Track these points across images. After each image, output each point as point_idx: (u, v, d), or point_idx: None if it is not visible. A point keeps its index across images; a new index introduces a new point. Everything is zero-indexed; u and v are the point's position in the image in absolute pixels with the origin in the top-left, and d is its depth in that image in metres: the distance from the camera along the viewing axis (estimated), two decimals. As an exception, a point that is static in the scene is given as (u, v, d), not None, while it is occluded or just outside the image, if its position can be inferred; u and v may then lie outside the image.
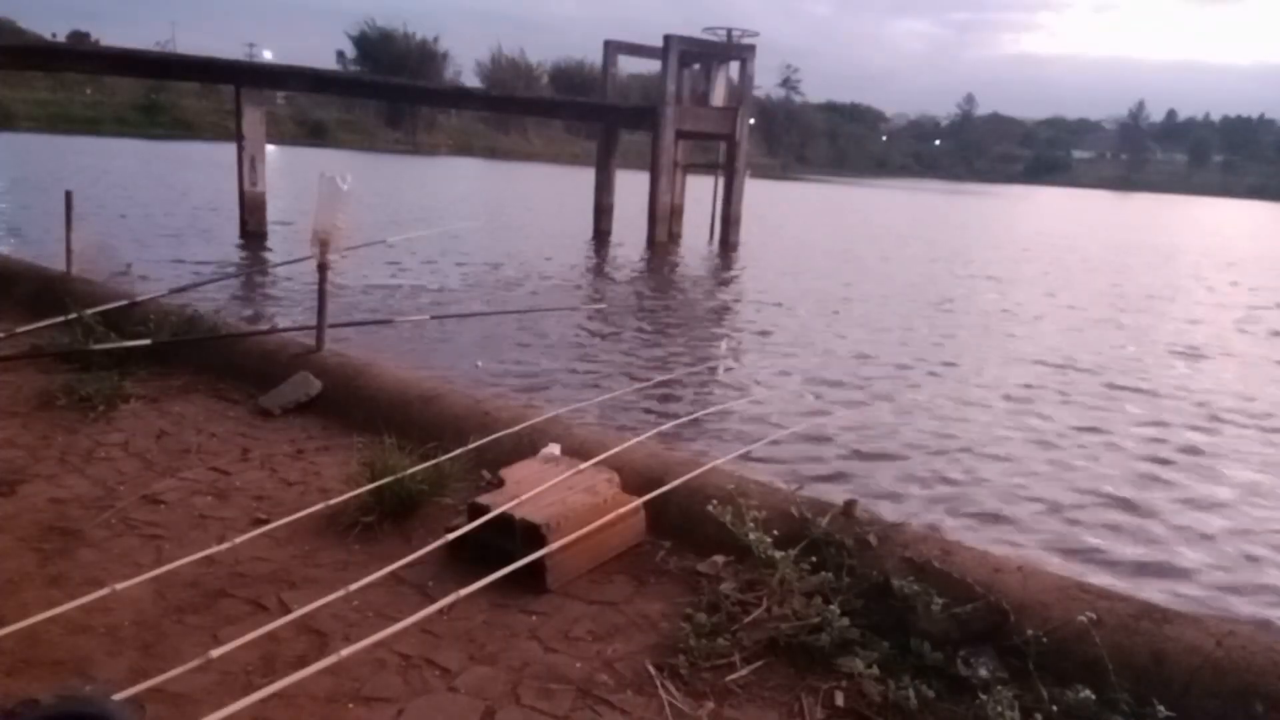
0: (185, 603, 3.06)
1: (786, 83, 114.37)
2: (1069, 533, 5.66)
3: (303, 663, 2.75)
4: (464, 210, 27.57)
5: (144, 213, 19.92)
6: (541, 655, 2.90)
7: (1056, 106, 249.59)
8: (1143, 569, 5.23)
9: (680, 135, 21.88)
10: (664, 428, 5.05)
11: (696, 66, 23.23)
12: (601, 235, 22.96)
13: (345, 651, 2.46)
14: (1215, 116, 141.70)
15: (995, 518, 5.81)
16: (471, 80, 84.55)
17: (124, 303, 6.52)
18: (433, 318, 9.85)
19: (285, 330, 6.60)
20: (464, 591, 2.83)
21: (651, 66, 26.00)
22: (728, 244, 22.14)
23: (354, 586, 2.78)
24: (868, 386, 9.09)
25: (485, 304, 12.22)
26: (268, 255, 15.90)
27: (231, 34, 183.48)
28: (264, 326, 7.83)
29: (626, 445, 4.06)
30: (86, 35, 63.58)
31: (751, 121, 24.04)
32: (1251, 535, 5.83)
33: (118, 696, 2.18)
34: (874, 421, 7.78)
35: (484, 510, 3.32)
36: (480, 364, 8.70)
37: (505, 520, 3.27)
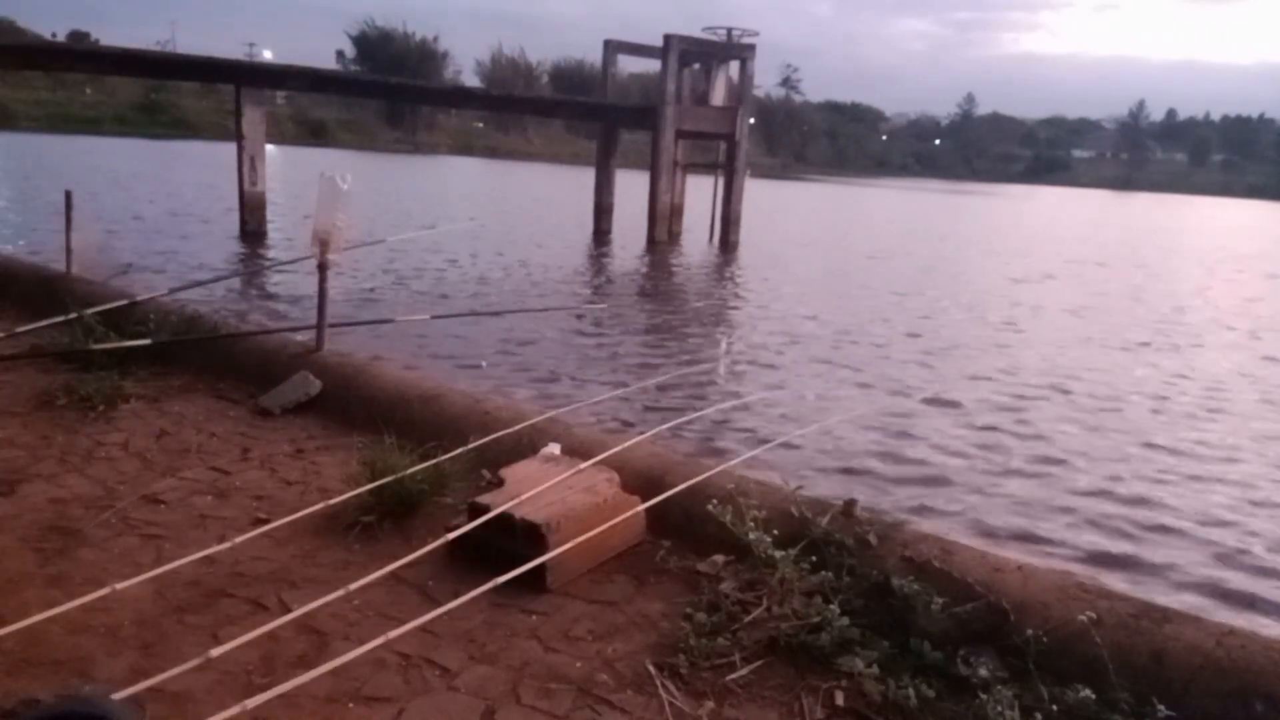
0: (185, 602, 3.06)
1: (786, 82, 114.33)
2: (1071, 534, 5.65)
3: (303, 662, 2.75)
4: (464, 210, 27.56)
5: (144, 212, 19.92)
6: (541, 655, 2.90)
7: (1057, 106, 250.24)
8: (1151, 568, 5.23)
9: (680, 135, 21.87)
10: (664, 427, 5.04)
11: (696, 66, 23.20)
12: (601, 235, 22.95)
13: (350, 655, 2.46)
14: (1215, 116, 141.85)
15: (997, 518, 5.80)
16: (471, 80, 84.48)
17: (124, 303, 6.52)
18: (433, 317, 9.84)
19: (285, 330, 6.60)
20: (465, 598, 2.83)
21: (651, 66, 25.98)
22: (728, 243, 22.14)
23: (354, 586, 2.78)
24: (868, 385, 9.08)
25: (485, 304, 12.21)
26: (268, 255, 15.90)
27: (231, 34, 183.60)
28: (264, 326, 7.83)
29: (626, 445, 4.06)
30: (86, 35, 63.66)
31: (751, 121, 24.04)
32: None
33: (118, 696, 2.18)
34: (874, 420, 7.77)
35: (484, 510, 3.32)
36: (485, 364, 8.70)
37: (505, 520, 3.27)
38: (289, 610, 2.90)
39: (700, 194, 24.52)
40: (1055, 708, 2.58)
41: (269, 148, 19.27)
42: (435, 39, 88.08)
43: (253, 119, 18.06)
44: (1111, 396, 9.20)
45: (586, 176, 27.18)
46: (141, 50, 19.91)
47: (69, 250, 7.50)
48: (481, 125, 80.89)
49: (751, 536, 3.31)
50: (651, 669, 2.84)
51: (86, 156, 37.10)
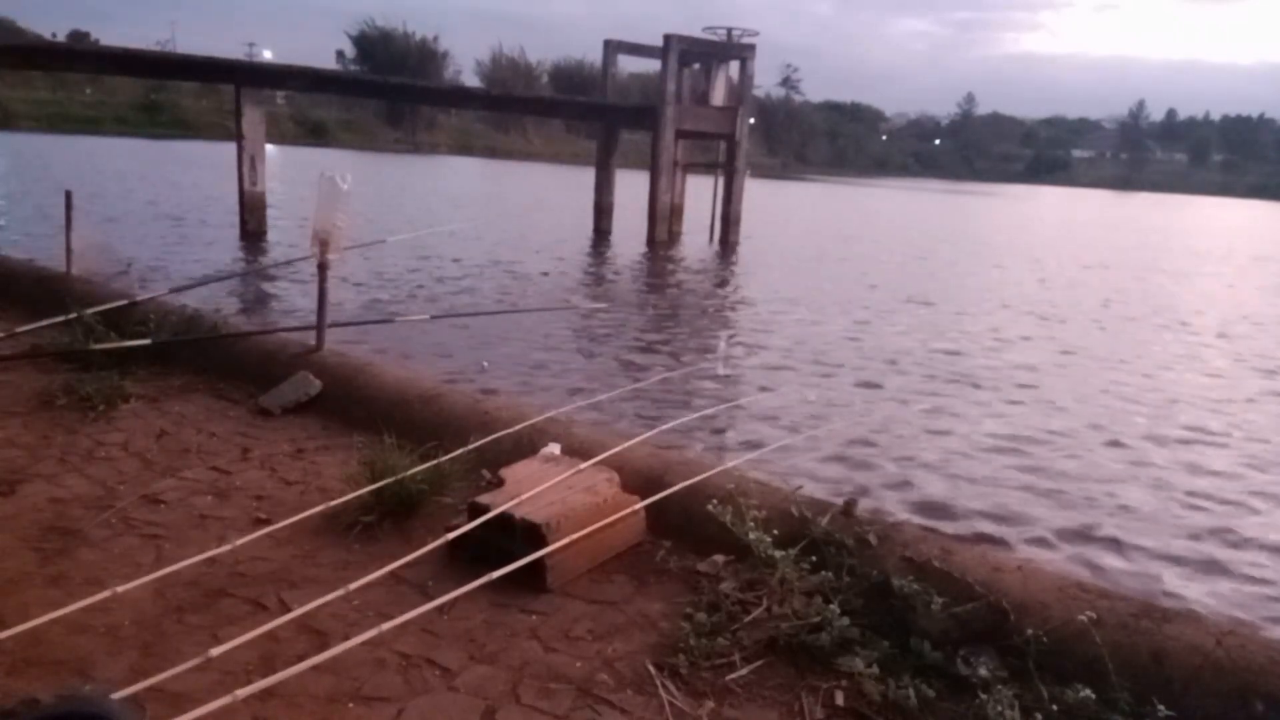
0: (185, 602, 3.06)
1: (786, 82, 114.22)
2: (1073, 537, 5.65)
3: (302, 662, 2.75)
4: (465, 210, 27.56)
5: (144, 212, 19.92)
6: (541, 655, 2.90)
7: (1057, 106, 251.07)
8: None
9: (680, 135, 21.87)
10: (664, 427, 5.04)
11: (696, 66, 23.19)
12: (601, 234, 22.95)
13: (334, 650, 2.46)
14: (1215, 116, 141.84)
15: (996, 518, 5.80)
16: (471, 80, 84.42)
17: (124, 302, 6.53)
18: (433, 317, 9.84)
19: (285, 330, 6.60)
20: (460, 590, 2.83)
21: (651, 66, 25.98)
22: (728, 243, 22.14)
23: (354, 586, 2.78)
24: (868, 385, 9.08)
25: (485, 303, 12.21)
26: (268, 255, 15.90)
27: (231, 34, 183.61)
28: (264, 326, 7.83)
29: (626, 445, 4.06)
30: (86, 35, 63.70)
31: (751, 121, 24.04)
32: None
33: (117, 696, 2.18)
34: (874, 421, 7.77)
35: (484, 510, 3.32)
36: (487, 364, 8.69)
37: (505, 520, 3.27)
38: (289, 610, 2.90)
39: (700, 194, 24.51)
40: (1055, 707, 2.58)
41: (269, 148, 19.27)
42: (435, 39, 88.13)
43: (253, 119, 18.05)
44: (1131, 397, 9.21)
45: (586, 176, 27.18)
46: (141, 50, 19.89)
47: (69, 250, 7.50)
48: (482, 125, 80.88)
49: (751, 536, 3.31)
50: (651, 669, 2.84)
51: (87, 157, 37.09)
